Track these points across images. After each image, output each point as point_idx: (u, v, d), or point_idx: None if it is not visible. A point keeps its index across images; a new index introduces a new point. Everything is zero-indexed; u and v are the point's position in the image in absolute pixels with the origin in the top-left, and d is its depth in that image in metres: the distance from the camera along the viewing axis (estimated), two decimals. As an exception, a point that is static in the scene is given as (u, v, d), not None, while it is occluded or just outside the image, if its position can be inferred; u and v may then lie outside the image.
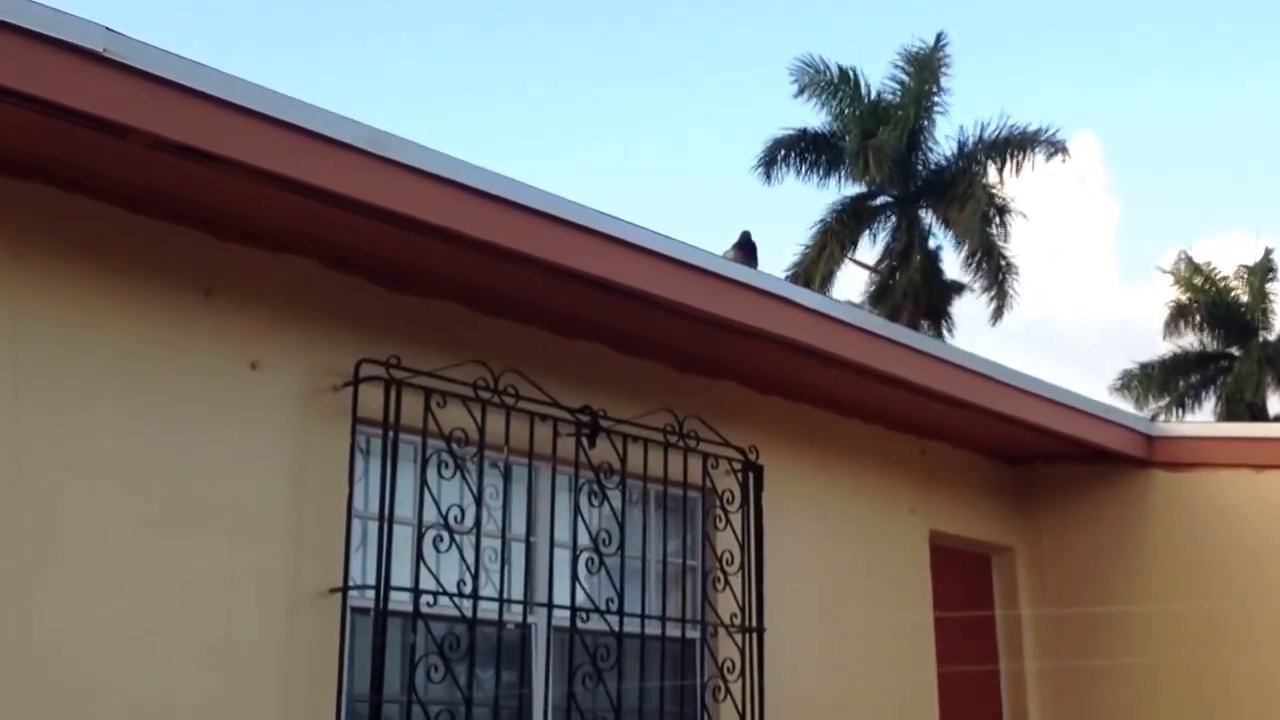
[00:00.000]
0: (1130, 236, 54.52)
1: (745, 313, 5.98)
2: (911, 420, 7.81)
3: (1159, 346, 33.43)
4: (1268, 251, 33.24)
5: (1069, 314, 50.46)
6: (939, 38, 26.72)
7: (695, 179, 53.49)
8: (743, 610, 6.48)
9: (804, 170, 26.77)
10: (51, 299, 4.57)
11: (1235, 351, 33.14)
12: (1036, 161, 26.34)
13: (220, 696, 4.74)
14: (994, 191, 26.18)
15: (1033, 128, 26.45)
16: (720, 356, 6.65)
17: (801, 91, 26.79)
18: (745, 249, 7.79)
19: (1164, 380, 33.19)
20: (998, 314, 26.42)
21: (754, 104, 51.65)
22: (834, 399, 7.34)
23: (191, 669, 4.68)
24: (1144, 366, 33.25)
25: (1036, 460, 8.69)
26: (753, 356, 6.59)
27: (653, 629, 6.12)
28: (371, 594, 5.18)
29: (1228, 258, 40.30)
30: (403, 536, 5.33)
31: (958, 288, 27.85)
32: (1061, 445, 8.18)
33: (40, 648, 4.34)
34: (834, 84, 26.60)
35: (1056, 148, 26.32)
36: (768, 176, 26.71)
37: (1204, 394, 33.19)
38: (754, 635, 6.46)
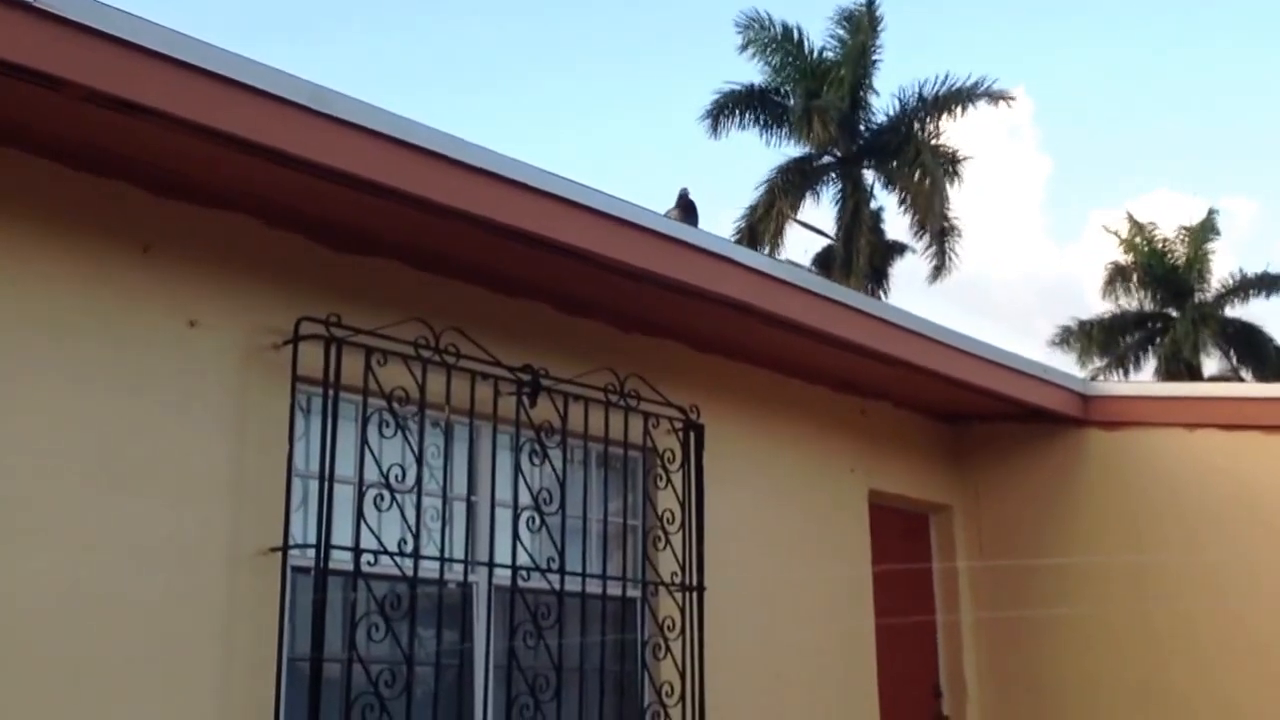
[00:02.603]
0: (1060, 194, 55.33)
1: (686, 271, 5.99)
2: (852, 380, 7.88)
3: (1089, 306, 34.05)
4: (1211, 212, 33.75)
5: (999, 272, 51.14)
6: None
7: (637, 137, 53.45)
8: (683, 569, 6.52)
9: (747, 125, 26.83)
10: (-16, 255, 4.50)
11: (1173, 312, 33.65)
12: (977, 111, 26.59)
13: (160, 655, 4.72)
14: (943, 151, 26.31)
15: (971, 82, 26.72)
16: (661, 316, 6.66)
17: (746, 46, 26.80)
18: (685, 208, 7.79)
19: (1104, 340, 33.65)
20: (936, 274, 26.70)
21: (697, 62, 51.62)
22: (775, 359, 7.38)
23: (130, 627, 4.65)
24: (1083, 324, 33.70)
25: (974, 420, 8.79)
26: (694, 316, 6.61)
27: (594, 588, 6.15)
28: (312, 553, 5.17)
29: (1154, 216, 40.79)
30: (343, 496, 5.32)
31: (899, 248, 28.08)
32: (999, 405, 8.28)
33: (-25, 607, 4.31)
34: (777, 40, 26.60)
35: (997, 96, 26.53)
36: (715, 130, 26.75)
37: (1143, 354, 33.73)
38: (694, 593, 6.52)
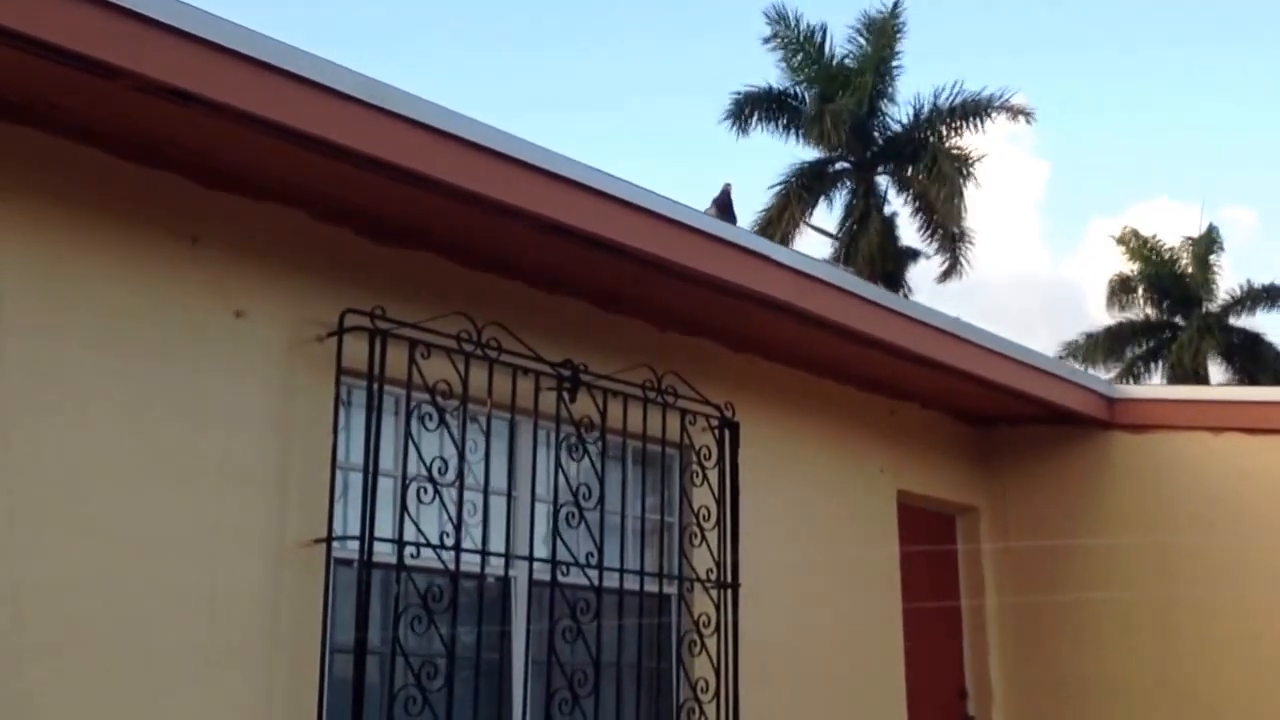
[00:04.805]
0: (1058, 200, 55.29)
1: (728, 269, 6.00)
2: (882, 380, 7.88)
3: (1089, 312, 33.99)
4: (1212, 227, 33.86)
5: (999, 275, 51.09)
6: (896, 3, 26.83)
7: (658, 133, 53.53)
8: (718, 565, 6.52)
9: (765, 125, 26.92)
10: (35, 243, 4.50)
11: (1179, 321, 33.66)
12: (994, 123, 26.66)
13: (205, 644, 4.72)
14: (958, 155, 26.34)
15: (987, 93, 26.77)
16: (698, 314, 6.66)
17: (771, 39, 26.88)
18: (723, 207, 7.80)
19: (1110, 348, 33.63)
20: (946, 276, 26.73)
21: (719, 59, 51.66)
22: (808, 358, 7.38)
23: (177, 616, 4.66)
24: (1089, 336, 33.66)
25: (1001, 422, 8.79)
26: (730, 314, 6.61)
27: (630, 584, 6.15)
28: (351, 545, 5.17)
29: (1155, 224, 40.77)
30: (383, 488, 5.31)
31: (912, 254, 28.08)
32: (1026, 406, 8.27)
33: (28, 594, 4.31)
34: (799, 41, 26.64)
35: (1016, 111, 26.55)
36: (738, 128, 26.85)
37: (1152, 363, 33.71)
38: (729, 590, 6.51)
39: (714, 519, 6.55)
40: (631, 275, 5.96)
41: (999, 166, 48.61)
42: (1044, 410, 8.34)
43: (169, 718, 4.61)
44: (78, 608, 4.42)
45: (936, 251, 26.94)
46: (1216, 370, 33.02)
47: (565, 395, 5.93)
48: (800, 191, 26.80)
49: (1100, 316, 34.38)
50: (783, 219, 26.34)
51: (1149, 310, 34.23)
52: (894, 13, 26.66)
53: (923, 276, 36.81)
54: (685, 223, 5.84)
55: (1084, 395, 8.43)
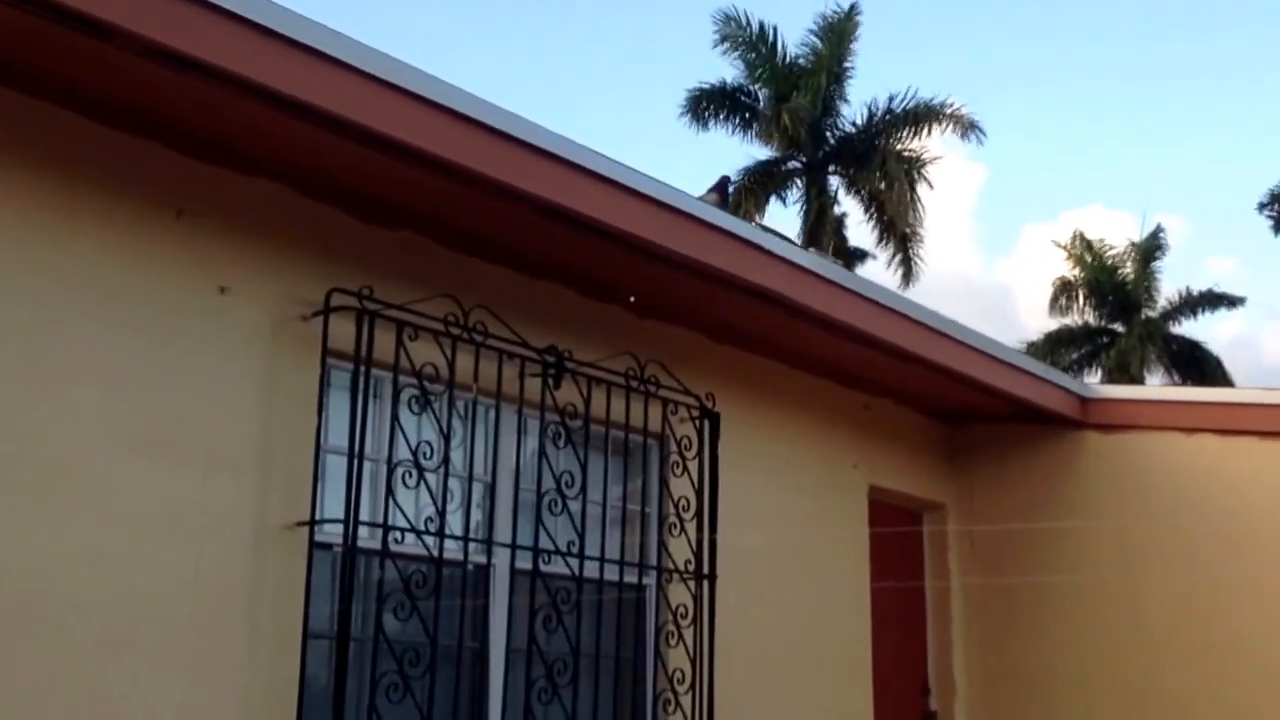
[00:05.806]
0: (993, 204, 55.72)
1: (724, 259, 5.93)
2: (858, 375, 7.82)
3: (1022, 314, 34.16)
4: (1157, 229, 34.22)
5: (932, 279, 51.36)
6: (853, 7, 26.90)
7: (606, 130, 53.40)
8: (696, 557, 6.45)
9: (721, 122, 26.90)
10: (18, 209, 4.35)
11: (1119, 328, 34.04)
12: (943, 132, 26.78)
13: (187, 625, 4.60)
14: (909, 158, 26.47)
15: (937, 100, 26.92)
16: (680, 303, 6.59)
17: (722, 41, 26.84)
18: (723, 195, 7.72)
19: (1049, 353, 33.95)
20: (906, 281, 26.87)
21: (675, 48, 51.53)
22: (786, 351, 7.32)
23: (157, 596, 4.54)
24: (1030, 345, 33.93)
25: (972, 419, 8.77)
26: (713, 305, 6.53)
27: (610, 574, 6.06)
28: (332, 529, 5.04)
29: (1088, 230, 41.26)
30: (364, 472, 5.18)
31: (859, 254, 28.19)
32: (1000, 404, 8.26)
33: (6, 572, 4.17)
34: (751, 41, 26.63)
35: (968, 125, 26.69)
36: (697, 123, 26.82)
37: (1088, 369, 34.05)
38: (707, 582, 6.44)
39: (693, 510, 6.47)
40: (622, 261, 5.86)
41: (936, 171, 48.80)
42: (1017, 408, 8.32)
43: (148, 698, 4.48)
44: (57, 586, 4.28)
45: (893, 256, 27.06)
46: (1155, 378, 33.47)
47: (549, 382, 5.82)
48: (752, 189, 26.80)
49: (1032, 321, 34.84)
50: (737, 217, 26.27)
51: (1088, 316, 34.60)
52: (849, 15, 26.72)
53: (868, 276, 36.88)
54: (688, 211, 5.76)
55: (1059, 394, 8.43)
